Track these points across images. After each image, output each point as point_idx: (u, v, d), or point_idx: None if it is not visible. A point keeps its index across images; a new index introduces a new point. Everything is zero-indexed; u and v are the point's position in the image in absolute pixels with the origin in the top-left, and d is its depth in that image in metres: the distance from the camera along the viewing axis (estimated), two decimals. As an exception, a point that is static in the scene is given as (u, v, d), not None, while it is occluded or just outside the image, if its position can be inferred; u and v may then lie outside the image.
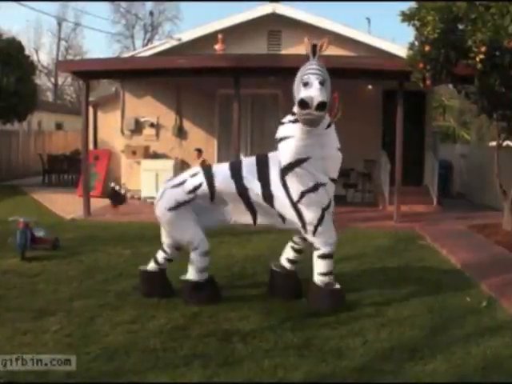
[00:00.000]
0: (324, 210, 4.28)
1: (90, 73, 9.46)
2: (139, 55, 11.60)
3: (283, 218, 4.38)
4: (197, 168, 4.64)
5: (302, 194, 4.20)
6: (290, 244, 4.74)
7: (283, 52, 11.08)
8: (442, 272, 5.71)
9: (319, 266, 4.34)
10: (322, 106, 3.72)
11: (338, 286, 4.43)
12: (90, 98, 11.20)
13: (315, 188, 4.20)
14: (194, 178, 4.45)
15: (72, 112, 23.21)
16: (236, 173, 4.39)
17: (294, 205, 4.25)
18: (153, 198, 4.72)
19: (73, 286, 4.98)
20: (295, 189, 4.22)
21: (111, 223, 8.37)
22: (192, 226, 4.40)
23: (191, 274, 4.47)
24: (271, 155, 4.44)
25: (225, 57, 9.42)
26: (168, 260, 4.68)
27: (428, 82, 7.27)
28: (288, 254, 4.74)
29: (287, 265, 4.73)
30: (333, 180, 4.36)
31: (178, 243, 4.56)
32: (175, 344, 3.66)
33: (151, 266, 4.70)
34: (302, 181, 4.18)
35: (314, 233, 4.26)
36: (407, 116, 9.35)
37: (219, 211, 4.48)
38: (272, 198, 4.30)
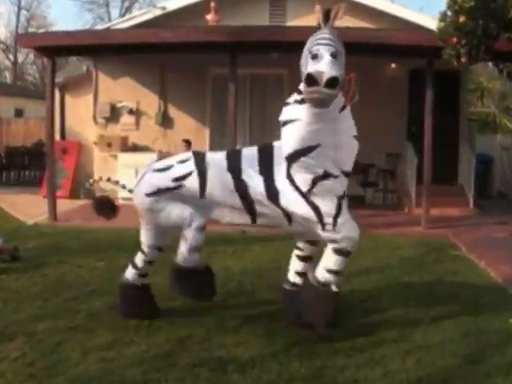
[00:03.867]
0: (339, 198, 4.26)
1: (56, 48, 9.46)
2: (115, 27, 11.62)
3: (289, 219, 4.36)
4: (187, 154, 4.63)
5: (313, 182, 4.19)
6: (295, 253, 4.72)
7: (288, 24, 11.11)
8: (480, 288, 5.71)
9: (331, 261, 4.26)
10: (333, 83, 3.65)
11: (336, 289, 4.35)
12: (57, 79, 11.22)
13: (326, 175, 4.19)
14: (182, 164, 4.46)
15: (34, 96, 23.25)
16: (234, 164, 4.39)
17: (306, 197, 4.24)
18: (132, 199, 4.72)
19: (36, 304, 4.98)
20: (303, 178, 4.21)
21: (82, 229, 8.38)
22: (177, 205, 4.40)
23: (182, 254, 4.45)
24: (276, 144, 4.44)
25: (218, 29, 9.43)
26: (148, 263, 4.68)
27: (463, 60, 7.27)
28: (295, 265, 4.72)
29: (297, 279, 4.68)
30: (346, 174, 4.32)
31: (167, 229, 4.55)
32: (159, 375, 3.65)
33: (129, 272, 4.69)
34: (309, 169, 4.18)
35: (334, 226, 4.22)
36: (438, 101, 9.36)
37: (208, 208, 4.46)
38: (278, 195, 4.29)
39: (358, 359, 3.93)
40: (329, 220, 4.23)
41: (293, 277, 4.71)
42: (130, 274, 4.69)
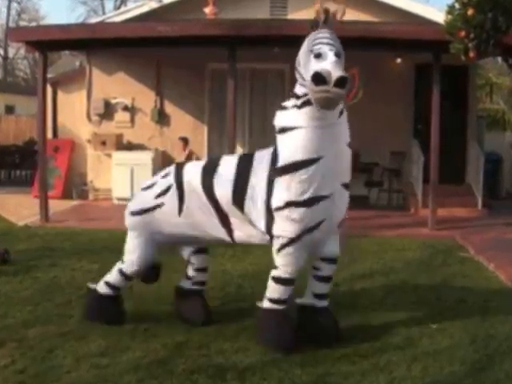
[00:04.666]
0: (306, 230, 4.08)
1: (48, 43, 9.46)
2: (110, 21, 11.62)
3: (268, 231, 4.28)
4: (171, 167, 4.69)
5: (287, 205, 4.05)
6: (312, 273, 4.46)
7: (290, 17, 11.10)
8: (489, 292, 5.72)
9: (271, 289, 4.27)
10: (342, 83, 3.62)
11: (291, 316, 4.31)
12: (49, 75, 11.23)
13: (308, 203, 4.02)
14: (164, 179, 4.57)
15: (26, 92, 23.23)
16: (209, 170, 4.38)
17: (269, 209, 4.13)
18: (127, 199, 4.77)
19: (27, 309, 4.98)
20: (281, 195, 4.06)
21: (75, 231, 8.38)
22: (142, 246, 4.57)
23: (99, 284, 4.72)
24: (259, 153, 4.37)
25: (217, 22, 9.43)
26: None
27: (471, 55, 7.26)
28: (313, 287, 4.44)
29: (315, 301, 4.42)
30: (345, 185, 4.19)
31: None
32: (155, 382, 3.65)
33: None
34: (296, 189, 4.01)
35: (278, 251, 4.20)
36: (445, 97, 9.37)
37: (188, 222, 4.43)
38: (243, 199, 4.21)
39: (363, 366, 3.93)
40: (276, 243, 4.20)
41: (311, 298, 4.46)
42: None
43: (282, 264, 4.22)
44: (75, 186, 12.09)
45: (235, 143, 9.43)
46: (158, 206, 4.47)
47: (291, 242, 4.13)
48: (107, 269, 6.19)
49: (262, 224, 4.23)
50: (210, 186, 4.32)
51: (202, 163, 4.61)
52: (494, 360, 4.08)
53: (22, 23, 34.03)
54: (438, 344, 4.33)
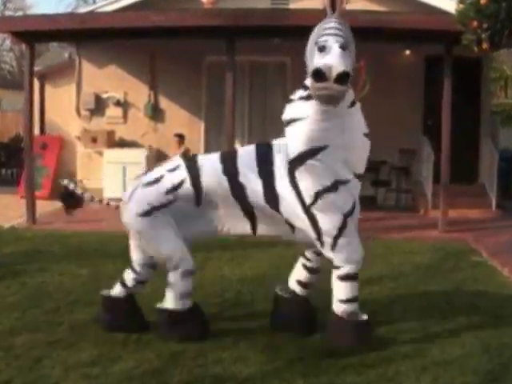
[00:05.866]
0: (346, 216, 4.27)
1: (35, 34, 9.47)
2: (101, 10, 11.62)
3: (292, 227, 4.39)
4: (177, 160, 4.64)
5: (317, 195, 4.19)
6: (302, 261, 4.74)
7: (291, 6, 11.10)
8: (503, 298, 5.73)
9: (340, 291, 4.36)
10: (343, 78, 3.67)
11: (364, 316, 4.44)
12: (36, 68, 11.24)
13: (334, 187, 4.19)
14: (173, 172, 4.45)
15: (12, 86, 23.23)
16: (229, 166, 4.40)
17: (307, 209, 4.26)
18: (119, 199, 4.73)
19: (13, 316, 4.99)
20: (308, 187, 4.22)
21: (63, 233, 8.38)
22: (172, 237, 4.40)
23: (169, 302, 4.48)
24: (276, 143, 4.45)
25: (215, 13, 9.44)
26: (140, 282, 4.69)
27: (485, 46, 7.25)
28: (299, 274, 4.75)
29: (298, 289, 4.74)
30: (358, 176, 4.36)
31: (153, 260, 4.57)
32: (149, 393, 3.67)
33: (117, 290, 4.70)
34: (317, 177, 4.18)
35: (334, 247, 4.27)
36: (457, 91, 9.37)
37: (207, 218, 4.48)
38: (277, 199, 4.31)
39: (369, 376, 3.94)
40: (328, 240, 4.26)
41: (294, 285, 4.76)
42: (117, 292, 4.70)
43: (344, 259, 4.29)
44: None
45: (234, 140, 9.44)
46: (171, 202, 4.38)
47: (339, 232, 4.23)
48: (97, 273, 6.24)
49: (305, 224, 4.30)
50: (236, 179, 4.32)
51: (215, 156, 4.55)
52: (508, 370, 4.09)
53: (8, 13, 34.03)
54: (448, 353, 4.34)
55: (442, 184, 9.06)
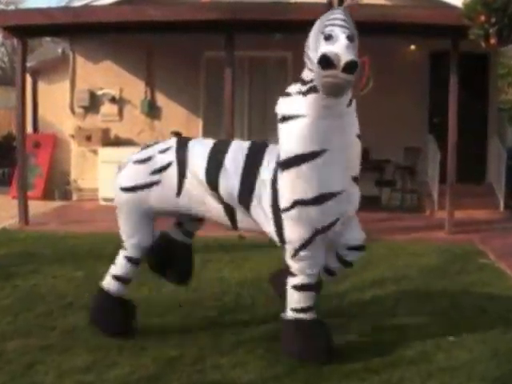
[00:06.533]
0: (318, 231, 4.14)
1: (27, 28, 9.47)
2: (95, 4, 11.62)
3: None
4: (171, 140, 4.69)
5: (294, 204, 4.07)
6: (337, 255, 4.57)
7: (293, 0, 11.10)
8: (511, 301, 5.73)
9: (294, 300, 4.28)
10: (351, 67, 3.60)
11: (322, 326, 4.34)
12: (29, 63, 11.23)
13: (318, 200, 4.04)
14: (163, 153, 4.52)
15: (3, 82, 23.25)
16: (217, 154, 4.38)
17: (276, 212, 4.17)
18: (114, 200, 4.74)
19: (5, 320, 4.99)
20: (288, 192, 4.10)
21: (57, 235, 8.38)
22: (142, 222, 4.57)
23: (107, 280, 4.67)
24: (272, 144, 4.40)
25: (213, 6, 9.44)
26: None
27: (492, 41, 7.25)
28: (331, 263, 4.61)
29: None
30: (355, 179, 4.25)
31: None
32: (145, 400, 3.68)
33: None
34: (303, 186, 4.05)
35: (293, 256, 4.22)
36: (463, 88, 9.37)
37: (187, 204, 4.49)
38: (251, 198, 4.25)
39: (373, 382, 3.93)
40: (289, 248, 4.22)
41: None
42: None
43: (299, 270, 4.24)
44: (57, 185, 12.10)
45: (233, 138, 9.43)
46: (155, 183, 4.46)
47: (303, 245, 4.17)
48: (92, 276, 6.23)
49: (271, 228, 4.26)
50: (215, 176, 4.32)
51: (208, 144, 4.53)
52: (517, 376, 4.10)
53: (-1, 7, 34.03)
54: (455, 359, 4.33)
55: (449, 184, 9.05)
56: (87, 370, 4.04)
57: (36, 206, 10.06)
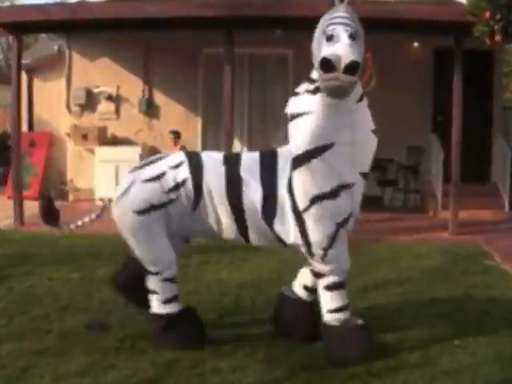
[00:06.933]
0: (340, 225, 4.21)
1: (23, 25, 9.48)
2: (92, 0, 11.62)
3: (284, 242, 4.38)
4: (180, 155, 4.54)
5: (314, 200, 4.12)
6: (310, 266, 4.62)
7: (294, -5, 11.11)
8: (517, 304, 5.74)
9: (330, 301, 4.32)
10: (353, 68, 3.63)
11: (359, 321, 4.43)
12: (24, 61, 11.22)
13: (335, 192, 4.12)
14: (176, 169, 4.37)
15: (-2, 80, 23.23)
16: (231, 169, 4.35)
17: (298, 215, 4.20)
18: (111, 200, 4.71)
19: (0, 323, 4.99)
20: (305, 190, 4.15)
21: (53, 235, 8.35)
22: (164, 242, 4.40)
23: (156, 307, 4.48)
24: (281, 151, 4.40)
25: (212, 2, 9.44)
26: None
27: (497, 38, 7.26)
28: (305, 278, 4.70)
29: (303, 293, 4.71)
30: (363, 175, 4.33)
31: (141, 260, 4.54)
32: (143, 404, 3.68)
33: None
34: (318, 180, 4.12)
35: (324, 258, 4.24)
36: (468, 86, 9.37)
37: (199, 221, 4.44)
38: (274, 212, 4.25)
39: (375, 386, 3.94)
40: (318, 251, 4.24)
41: (298, 289, 4.74)
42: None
43: (332, 269, 4.26)
44: (53, 185, 12.09)
45: (233, 138, 9.45)
46: (171, 201, 4.33)
47: (330, 243, 4.19)
48: (89, 278, 6.24)
49: (297, 235, 4.26)
50: (237, 192, 4.28)
51: (220, 157, 4.48)
52: (522, 379, 4.10)
53: (-6, 3, 34.01)
54: (459, 362, 4.33)
55: (452, 183, 9.06)
56: (84, 374, 4.04)
57: (31, 206, 10.03)
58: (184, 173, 4.35)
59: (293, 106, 4.22)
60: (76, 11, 9.55)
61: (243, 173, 4.32)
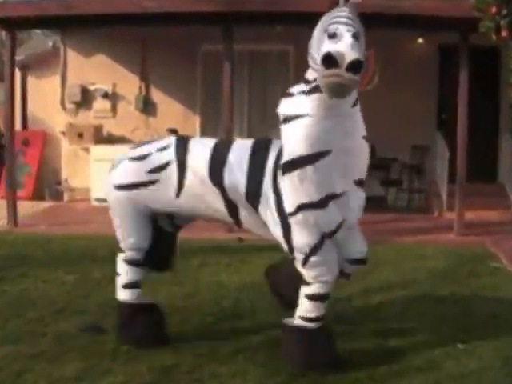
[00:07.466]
0: (326, 235, 4.17)
1: (16, 20, 9.48)
2: (88, -5, 11.63)
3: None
4: (170, 138, 4.69)
5: (299, 208, 4.10)
6: None
7: (295, -10, 11.11)
8: (524, 307, 5.74)
9: (307, 309, 4.27)
10: (356, 67, 3.60)
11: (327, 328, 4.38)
12: (18, 57, 11.23)
13: (323, 203, 4.08)
14: (161, 152, 4.52)
15: (-9, 77, 23.25)
16: (219, 155, 4.39)
17: (283, 218, 4.19)
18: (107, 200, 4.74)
19: (-7, 326, 5.00)
20: (293, 196, 4.12)
21: (48, 236, 8.38)
22: (133, 222, 4.57)
23: (118, 291, 4.65)
24: (276, 141, 4.42)
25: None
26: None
27: (504, 34, 7.26)
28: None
29: None
30: (360, 183, 4.26)
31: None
32: (140, 410, 3.68)
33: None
34: (307, 188, 4.07)
35: (304, 264, 4.21)
36: (474, 83, 9.36)
37: (186, 205, 4.51)
38: (258, 198, 4.27)
39: (378, 392, 3.95)
40: (299, 256, 4.22)
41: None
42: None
43: (313, 277, 4.22)
44: (48, 185, 12.10)
45: (232, 136, 9.43)
46: (151, 182, 4.47)
47: (313, 251, 4.16)
48: (84, 280, 6.24)
49: (278, 233, 4.27)
50: (219, 171, 4.33)
51: (210, 143, 4.55)
52: (529, 385, 4.11)
53: (-13, -2, 34.00)
54: (464, 366, 4.34)
55: (458, 183, 9.06)
56: (79, 379, 4.04)
57: (25, 207, 10.08)
58: (169, 155, 4.48)
59: (286, 106, 4.17)
60: (71, 6, 9.54)
61: (230, 157, 4.37)
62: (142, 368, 4.21)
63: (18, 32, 10.01)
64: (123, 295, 4.61)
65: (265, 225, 4.36)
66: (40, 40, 13.77)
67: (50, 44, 12.73)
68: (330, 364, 4.22)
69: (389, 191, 11.21)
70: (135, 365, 4.26)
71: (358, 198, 4.27)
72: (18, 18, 9.41)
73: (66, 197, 11.85)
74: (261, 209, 4.30)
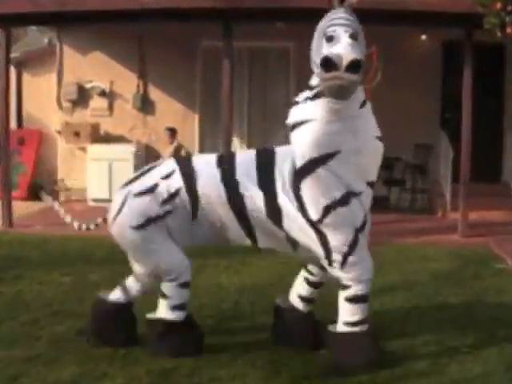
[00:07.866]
0: (358, 230, 4.26)
1: (11, 17, 9.48)
2: (84, -9, 11.63)
3: (294, 243, 4.40)
4: (170, 163, 4.58)
5: (327, 209, 4.17)
6: (304, 275, 4.73)
7: (296, -14, 11.12)
8: (529, 309, 5.74)
9: (347, 312, 4.32)
10: (355, 66, 3.67)
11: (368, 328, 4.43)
12: (13, 54, 11.22)
13: (345, 199, 4.17)
14: (168, 179, 4.41)
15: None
16: (227, 172, 4.38)
17: (314, 225, 4.24)
18: (104, 200, 4.72)
19: (-13, 329, 5.00)
20: (315, 201, 4.19)
21: (43, 237, 8.39)
22: (173, 250, 4.45)
23: (163, 312, 4.48)
24: (280, 150, 4.45)
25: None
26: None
27: (509, 30, 7.28)
28: (300, 288, 4.74)
29: (299, 304, 4.73)
30: (371, 184, 4.34)
31: (153, 272, 4.54)
32: (137, 415, 3.68)
33: (116, 294, 4.70)
34: (327, 188, 4.16)
35: (343, 265, 4.25)
36: (478, 80, 9.36)
37: (203, 230, 4.50)
38: (280, 214, 4.28)
39: (381, 396, 3.95)
40: (338, 257, 4.26)
41: (295, 299, 4.75)
42: (115, 297, 4.69)
43: (354, 278, 4.27)
44: (44, 184, 12.09)
45: (231, 135, 9.44)
46: (168, 212, 4.37)
47: (350, 249, 4.22)
48: (81, 282, 6.24)
49: (311, 240, 4.29)
50: (237, 196, 4.32)
51: (212, 159, 4.51)
52: (534, 389, 4.11)
53: (-19, -7, 34.01)
54: (468, 371, 4.34)
55: (462, 183, 9.06)
56: (75, 383, 4.04)
57: (20, 207, 10.08)
58: (177, 182, 4.39)
59: (294, 115, 4.25)
60: (67, 3, 9.53)
61: (240, 176, 4.34)
62: (141, 371, 4.21)
63: (13, 29, 10.01)
64: (174, 316, 4.45)
65: (286, 241, 4.39)
66: (36, 37, 13.73)
67: (46, 41, 12.72)
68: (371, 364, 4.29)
69: (391, 191, 11.21)
70: (133, 368, 4.27)
71: (369, 199, 4.36)
72: (13, 14, 9.40)
73: (61, 197, 11.84)
74: (285, 223, 4.30)
